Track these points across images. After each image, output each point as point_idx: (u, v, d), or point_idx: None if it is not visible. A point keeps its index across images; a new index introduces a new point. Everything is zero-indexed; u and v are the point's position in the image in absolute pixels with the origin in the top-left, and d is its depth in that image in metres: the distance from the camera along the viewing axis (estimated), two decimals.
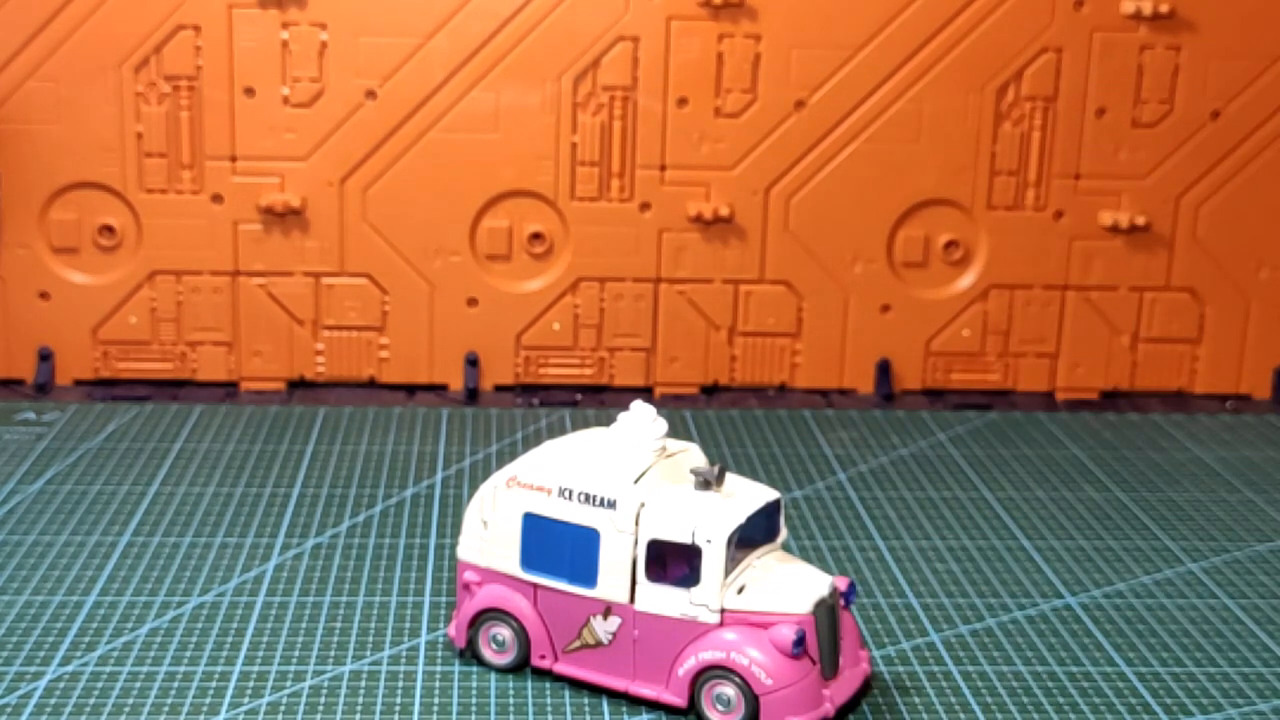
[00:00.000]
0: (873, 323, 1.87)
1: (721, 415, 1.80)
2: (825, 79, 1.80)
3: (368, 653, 1.20)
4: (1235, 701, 1.16)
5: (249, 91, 1.76)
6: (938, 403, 1.87)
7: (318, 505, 1.49)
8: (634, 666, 1.12)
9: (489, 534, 1.16)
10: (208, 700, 1.12)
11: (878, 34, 1.79)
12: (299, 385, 1.85)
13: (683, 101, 1.79)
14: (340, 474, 1.58)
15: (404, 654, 1.20)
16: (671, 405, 1.83)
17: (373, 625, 1.25)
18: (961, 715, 1.13)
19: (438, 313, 1.84)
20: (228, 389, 1.84)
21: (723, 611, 1.09)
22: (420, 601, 1.29)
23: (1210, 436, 1.77)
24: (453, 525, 1.45)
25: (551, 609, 1.15)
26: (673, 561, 1.10)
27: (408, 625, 1.25)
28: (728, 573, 1.09)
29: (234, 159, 1.78)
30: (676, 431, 1.56)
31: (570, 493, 1.13)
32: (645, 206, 1.82)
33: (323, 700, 1.13)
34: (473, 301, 1.84)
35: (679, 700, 1.11)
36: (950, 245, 1.86)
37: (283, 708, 1.12)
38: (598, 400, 1.84)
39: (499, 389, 1.87)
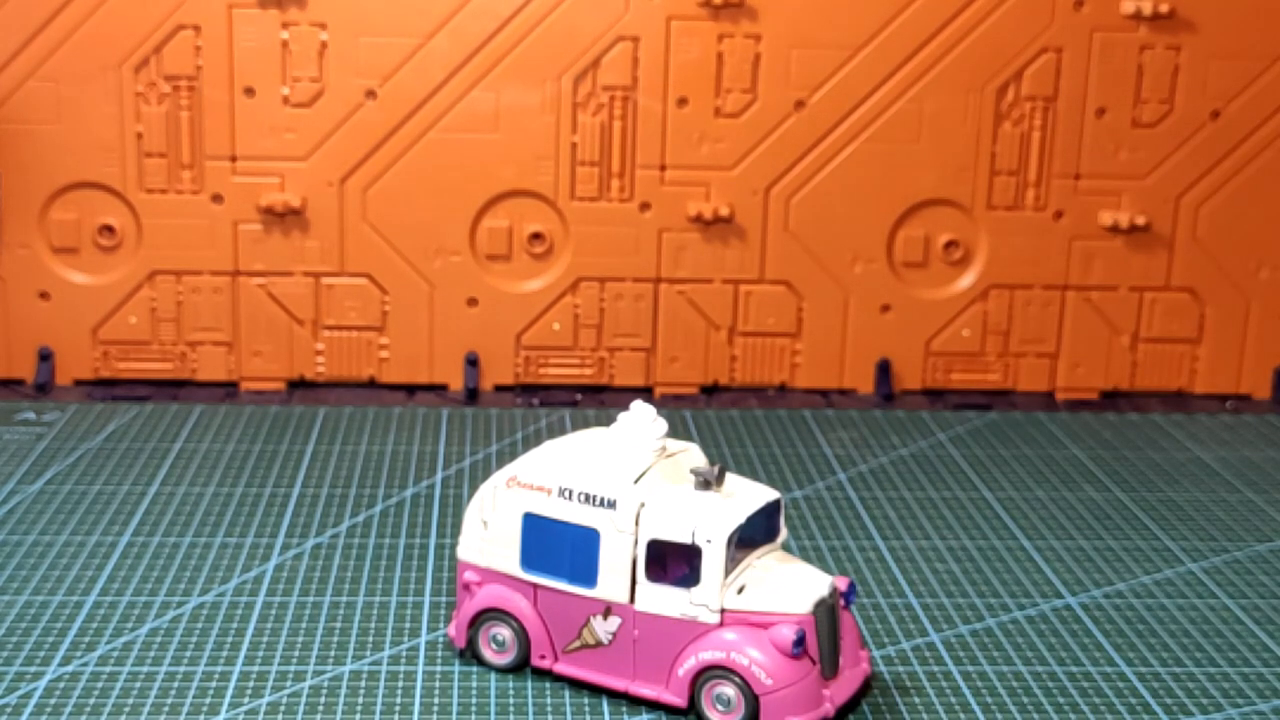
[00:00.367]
0: (873, 323, 1.87)
1: (721, 415, 1.80)
2: (825, 79, 1.80)
3: (368, 653, 1.20)
4: (1235, 701, 1.16)
5: (249, 91, 1.76)
6: (938, 403, 1.87)
7: (318, 505, 1.49)
8: (634, 666, 1.12)
9: (489, 534, 1.16)
10: (208, 700, 1.12)
11: (878, 34, 1.79)
12: (299, 385, 1.85)
13: (683, 101, 1.79)
14: (340, 474, 1.58)
15: (404, 654, 1.20)
16: (671, 405, 1.83)
17: (373, 625, 1.25)
18: (961, 715, 1.13)
19: (438, 313, 1.84)
20: (228, 389, 1.84)
21: (723, 611, 1.09)
22: (420, 601, 1.29)
23: (1210, 436, 1.77)
24: (453, 525, 1.45)
25: (551, 609, 1.15)
26: (673, 561, 1.10)
27: (408, 625, 1.25)
28: (728, 573, 1.09)
29: (234, 159, 1.78)
30: (676, 431, 1.56)
31: (570, 493, 1.13)
32: (645, 206, 1.82)
33: (323, 700, 1.13)
34: (473, 301, 1.84)
35: (679, 700, 1.11)
36: (950, 245, 1.86)
37: (283, 708, 1.12)
38: (598, 400, 1.84)
39: (499, 389, 1.87)
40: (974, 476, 1.62)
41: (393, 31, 1.76)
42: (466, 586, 1.18)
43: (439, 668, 1.18)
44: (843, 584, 1.14)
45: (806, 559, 1.37)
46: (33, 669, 1.16)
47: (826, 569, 1.36)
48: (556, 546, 1.13)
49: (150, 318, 1.82)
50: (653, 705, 1.13)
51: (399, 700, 1.13)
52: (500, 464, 1.57)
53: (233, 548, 1.39)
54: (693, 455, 1.17)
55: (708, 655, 1.09)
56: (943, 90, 1.80)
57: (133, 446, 1.63)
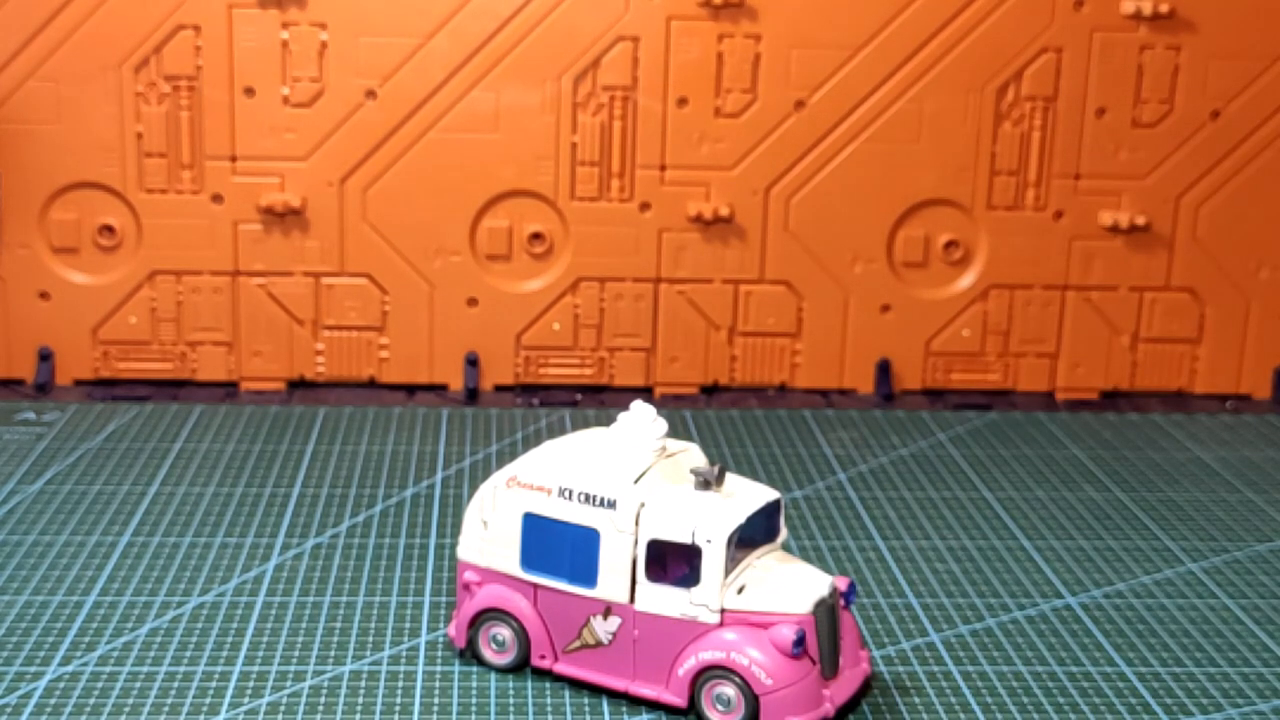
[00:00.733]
0: (873, 323, 1.87)
1: (721, 415, 1.80)
2: (825, 79, 1.80)
3: (368, 653, 1.20)
4: (1235, 701, 1.16)
5: (249, 91, 1.76)
6: (938, 403, 1.87)
7: (318, 505, 1.49)
8: (634, 666, 1.12)
9: (489, 534, 1.16)
10: (208, 700, 1.12)
11: (878, 34, 1.79)
12: (299, 385, 1.85)
13: (683, 101, 1.79)
14: (340, 474, 1.58)
15: (404, 654, 1.20)
16: (671, 405, 1.83)
17: (373, 625, 1.25)
18: (961, 715, 1.13)
19: (438, 313, 1.84)
20: (228, 389, 1.84)
21: (723, 611, 1.09)
22: (420, 601, 1.29)
23: (1210, 436, 1.77)
24: (453, 525, 1.45)
25: (551, 609, 1.15)
26: (673, 561, 1.10)
27: (408, 625, 1.25)
28: (728, 573, 1.09)
29: (234, 159, 1.78)
30: (676, 431, 1.56)
31: (570, 493, 1.13)
32: (645, 206, 1.82)
33: (323, 700, 1.13)
34: (473, 301, 1.84)
35: (679, 700, 1.11)
36: (950, 245, 1.86)
37: (283, 708, 1.12)
38: (598, 400, 1.84)
39: (499, 389, 1.87)
40: (974, 476, 1.62)
41: (393, 31, 1.76)
42: (466, 586, 1.18)
43: (439, 668, 1.18)
44: (843, 584, 1.14)
45: (806, 559, 1.37)
46: (33, 669, 1.16)
47: (826, 569, 1.36)
48: (556, 546, 1.13)
49: (150, 318, 1.82)
50: (653, 705, 1.13)
51: (399, 700, 1.13)
52: (500, 464, 1.57)
53: (233, 548, 1.39)
54: (693, 455, 1.17)
55: (708, 655, 1.09)
56: (943, 90, 1.80)
57: (133, 446, 1.63)
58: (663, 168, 1.81)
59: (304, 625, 1.24)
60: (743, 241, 1.83)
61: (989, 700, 1.15)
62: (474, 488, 1.46)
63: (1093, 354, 1.89)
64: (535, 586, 1.15)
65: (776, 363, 1.88)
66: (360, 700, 1.13)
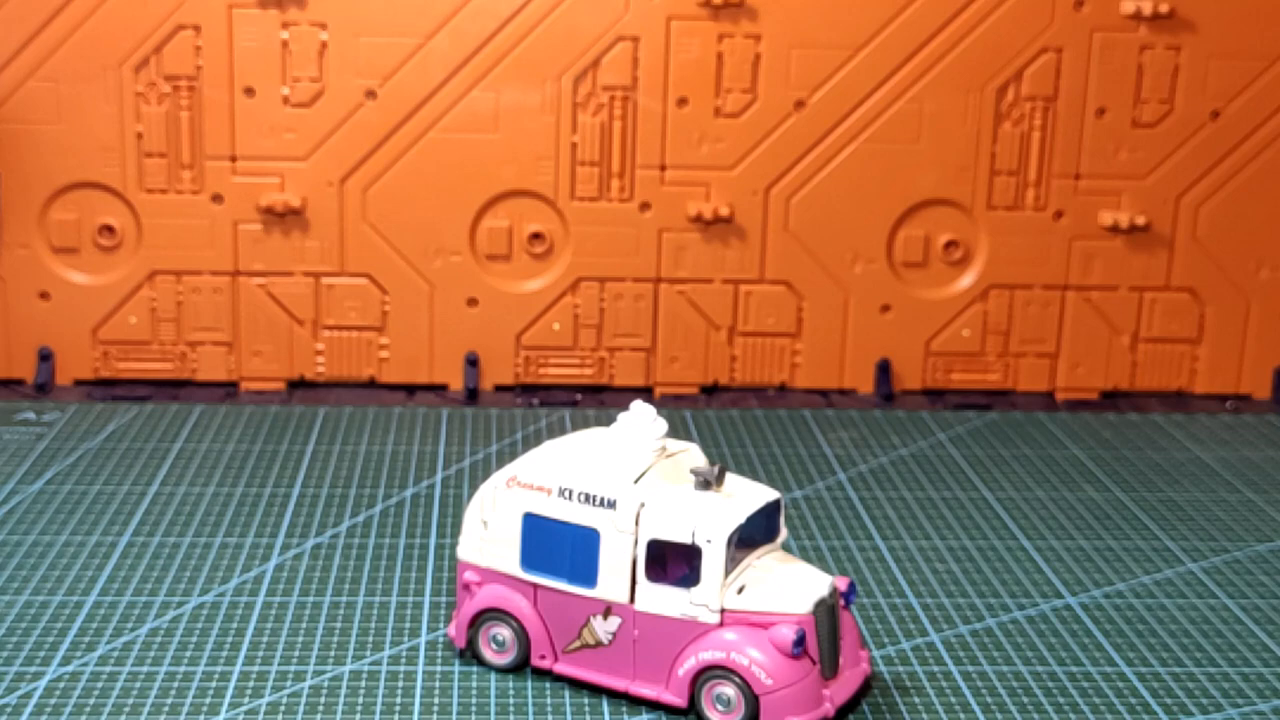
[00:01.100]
0: (873, 323, 1.87)
1: (721, 415, 1.80)
2: (825, 79, 1.80)
3: (368, 653, 1.20)
4: (1235, 701, 1.16)
5: (249, 91, 1.76)
6: (938, 403, 1.87)
7: (318, 505, 1.49)
8: (634, 666, 1.12)
9: (489, 534, 1.16)
10: (208, 700, 1.12)
11: (878, 34, 1.79)
12: (299, 385, 1.85)
13: (683, 101, 1.79)
14: (340, 474, 1.58)
15: (404, 654, 1.20)
16: (671, 405, 1.83)
17: (373, 625, 1.25)
18: (961, 715, 1.13)
19: (438, 313, 1.84)
20: (228, 389, 1.84)
21: (723, 611, 1.09)
22: (420, 601, 1.29)
23: (1210, 436, 1.77)
24: (453, 525, 1.45)
25: (551, 609, 1.15)
26: (673, 561, 1.10)
27: (408, 625, 1.25)
28: (728, 573, 1.09)
29: (234, 159, 1.78)
30: (676, 431, 1.56)
31: (570, 493, 1.13)
32: (645, 206, 1.82)
33: (323, 700, 1.13)
34: (473, 301, 1.84)
35: (679, 700, 1.11)
36: (950, 245, 1.86)
37: (283, 708, 1.12)
38: (598, 400, 1.84)
39: (499, 389, 1.87)
40: (974, 476, 1.62)
41: (393, 31, 1.76)
42: (466, 586, 1.18)
43: (439, 668, 1.18)
44: (843, 584, 1.14)
45: (806, 559, 1.37)
46: (33, 669, 1.16)
47: (826, 569, 1.36)
48: (556, 546, 1.13)
49: (150, 318, 1.82)
50: (653, 705, 1.13)
51: (399, 700, 1.13)
52: (500, 464, 1.57)
53: (233, 548, 1.39)
54: (693, 455, 1.17)
55: (708, 655, 1.09)
56: (943, 90, 1.80)
57: (133, 446, 1.63)
58: (663, 168, 1.81)
59: (304, 625, 1.24)
60: (743, 241, 1.83)
61: (989, 700, 1.15)
62: (474, 488, 1.46)
63: (1093, 354, 1.89)
64: (535, 586, 1.15)
65: (776, 363, 1.88)
66: (360, 700, 1.13)
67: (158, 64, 1.75)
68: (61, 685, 1.14)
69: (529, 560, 1.15)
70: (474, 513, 1.17)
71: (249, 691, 1.14)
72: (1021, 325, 1.88)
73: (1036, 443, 1.73)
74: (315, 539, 1.41)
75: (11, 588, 1.29)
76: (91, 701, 1.11)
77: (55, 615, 1.25)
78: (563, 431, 1.63)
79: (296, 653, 1.20)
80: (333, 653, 1.20)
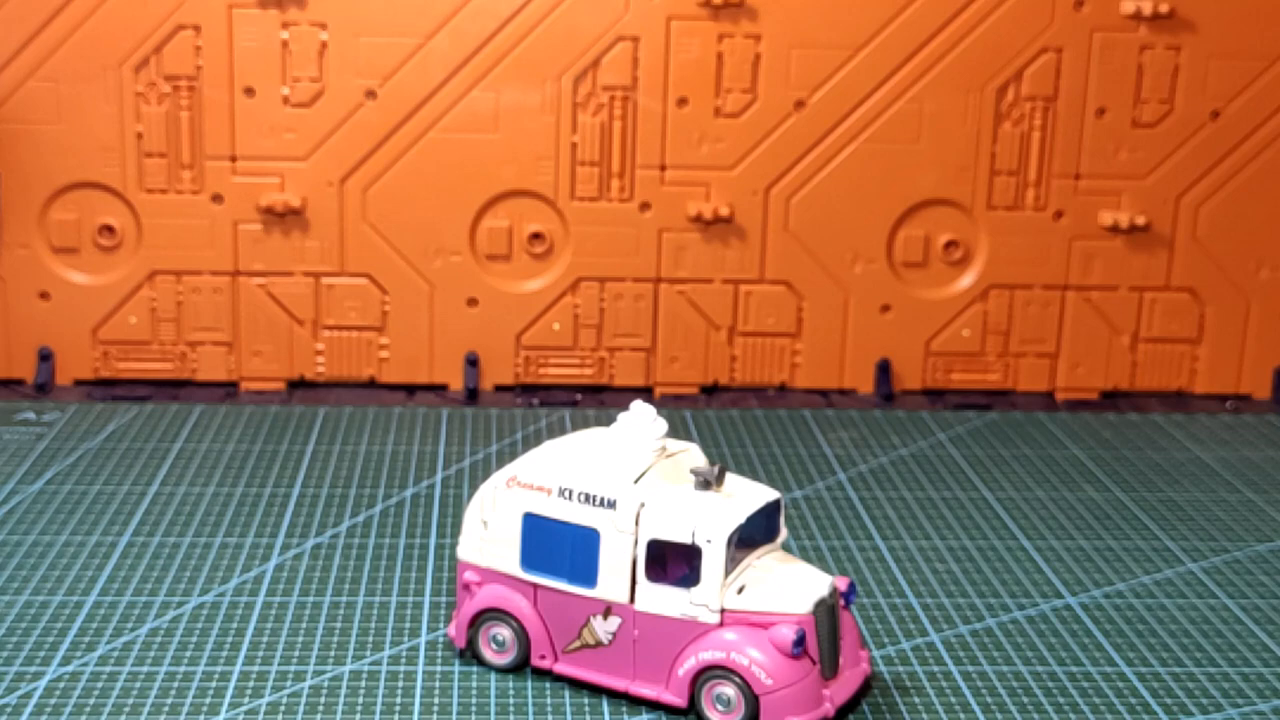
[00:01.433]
0: (873, 323, 1.87)
1: (721, 415, 1.80)
2: (825, 79, 1.80)
3: (368, 653, 1.20)
4: (1235, 701, 1.16)
5: (249, 91, 1.76)
6: (938, 403, 1.87)
7: (318, 505, 1.49)
8: (634, 666, 1.12)
9: (489, 534, 1.16)
10: (208, 700, 1.12)
11: (878, 34, 1.79)
12: (299, 385, 1.85)
13: (683, 101, 1.79)
14: (340, 474, 1.58)
15: (404, 654, 1.20)
16: (671, 405, 1.83)
17: (373, 625, 1.25)
18: (961, 715, 1.13)
19: (438, 313, 1.84)
20: (228, 389, 1.84)
21: (723, 611, 1.09)
22: (420, 601, 1.29)
23: (1210, 436, 1.77)
24: (453, 525, 1.45)
25: (551, 609, 1.15)
26: (673, 561, 1.10)
27: (408, 625, 1.25)
28: (728, 573, 1.09)
29: (234, 159, 1.78)
30: (676, 431, 1.56)
31: (570, 493, 1.13)
32: (645, 206, 1.82)
33: (323, 700, 1.13)
34: (473, 301, 1.84)
35: (679, 700, 1.11)
36: (950, 245, 1.86)
37: (283, 708, 1.12)
38: (598, 400, 1.84)
39: (499, 389, 1.87)
40: (974, 476, 1.62)
41: (393, 31, 1.76)
42: (466, 586, 1.18)
43: (439, 668, 1.18)
44: (843, 584, 1.14)
45: (806, 559, 1.37)
46: (33, 669, 1.16)
47: (826, 569, 1.36)
48: (556, 546, 1.13)
49: (150, 318, 1.82)
50: (653, 705, 1.13)
51: (399, 700, 1.13)
52: (500, 464, 1.57)
53: (233, 548, 1.39)
54: (693, 455, 1.17)
55: (708, 655, 1.09)
56: (943, 90, 1.80)
57: (133, 446, 1.63)
58: (663, 168, 1.81)
59: (304, 625, 1.24)
60: (743, 241, 1.83)
61: (989, 700, 1.15)
62: (474, 488, 1.46)
63: (1093, 354, 1.89)
64: (535, 586, 1.15)
65: (776, 363, 1.88)
66: (360, 700, 1.13)
67: (158, 64, 1.75)
68: (61, 685, 1.14)
69: (529, 560, 1.15)
70: (474, 513, 1.17)
71: (249, 691, 1.14)
72: (1021, 325, 1.88)
73: (1036, 443, 1.73)
74: (315, 539, 1.41)
75: (11, 588, 1.29)
76: (91, 701, 1.11)
77: (55, 615, 1.25)
78: (563, 431, 1.63)
79: (296, 653, 1.20)
80: (333, 653, 1.20)
